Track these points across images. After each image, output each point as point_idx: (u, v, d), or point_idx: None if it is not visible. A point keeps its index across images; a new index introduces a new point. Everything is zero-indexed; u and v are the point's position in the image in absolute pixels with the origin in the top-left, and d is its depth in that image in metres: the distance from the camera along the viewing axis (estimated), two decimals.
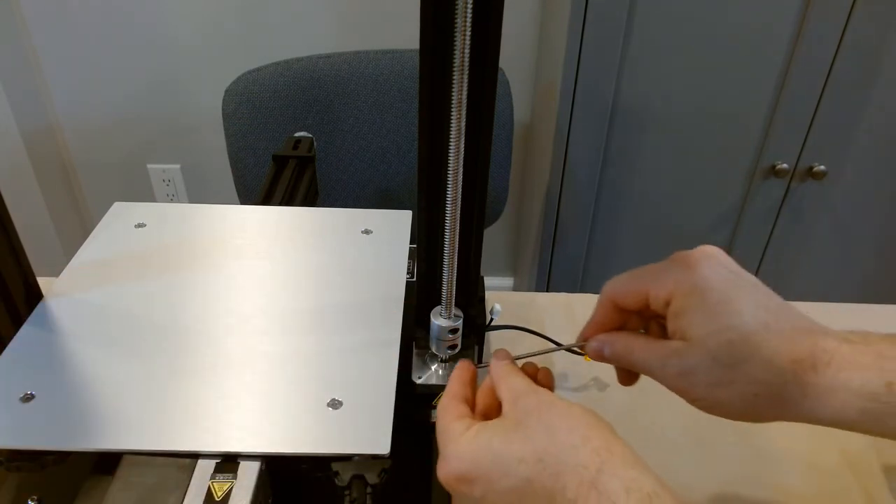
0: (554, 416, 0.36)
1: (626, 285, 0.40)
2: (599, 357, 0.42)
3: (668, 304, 0.38)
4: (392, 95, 1.12)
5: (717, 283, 0.36)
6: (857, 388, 0.34)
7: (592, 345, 0.42)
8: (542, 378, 0.44)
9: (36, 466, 0.41)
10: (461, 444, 0.37)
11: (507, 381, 0.40)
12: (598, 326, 0.42)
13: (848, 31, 1.15)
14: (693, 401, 0.38)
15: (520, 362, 0.43)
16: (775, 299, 0.37)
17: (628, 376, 0.43)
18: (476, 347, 0.52)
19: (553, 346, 0.46)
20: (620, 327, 0.42)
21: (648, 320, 0.42)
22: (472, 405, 0.42)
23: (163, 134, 1.62)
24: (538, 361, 0.43)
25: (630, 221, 1.41)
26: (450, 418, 0.39)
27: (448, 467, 0.37)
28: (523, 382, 0.39)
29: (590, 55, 1.18)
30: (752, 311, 0.36)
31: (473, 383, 0.43)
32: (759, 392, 0.36)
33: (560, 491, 0.33)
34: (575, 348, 0.45)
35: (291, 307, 0.52)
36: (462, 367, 0.43)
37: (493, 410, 0.40)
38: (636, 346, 0.40)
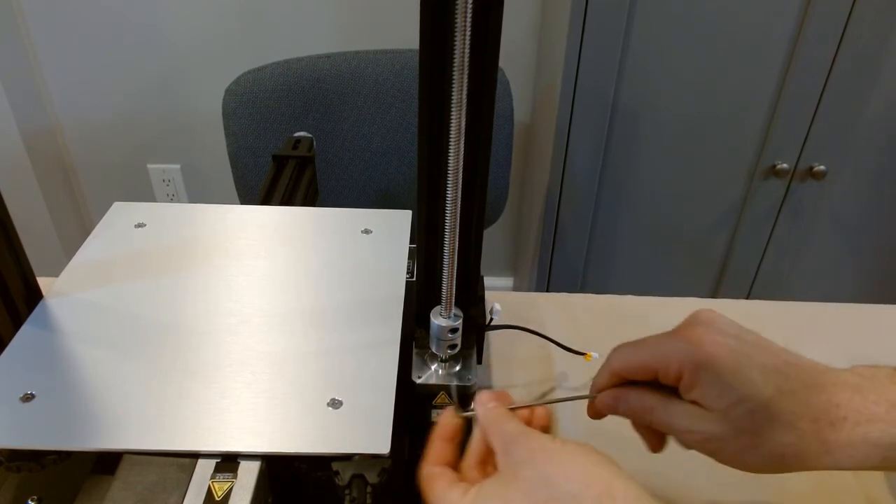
0: (550, 464, 0.34)
1: (632, 360, 0.40)
2: (613, 411, 0.41)
3: (678, 379, 0.38)
4: (392, 95, 1.12)
5: (724, 356, 0.36)
6: (876, 440, 0.35)
7: (605, 400, 0.41)
8: (538, 418, 0.42)
9: (36, 466, 0.41)
10: None
11: (496, 428, 0.38)
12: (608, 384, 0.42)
13: (848, 31, 1.15)
14: (720, 461, 0.38)
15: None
16: (781, 355, 0.37)
17: (658, 440, 0.41)
18: (476, 347, 0.52)
19: (560, 398, 0.45)
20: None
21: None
22: (456, 460, 0.40)
23: (163, 134, 1.62)
24: (537, 401, 0.41)
25: (630, 221, 1.41)
26: (442, 487, 0.37)
27: None
28: (514, 427, 0.37)
29: (590, 55, 1.18)
30: (762, 378, 0.36)
31: (458, 435, 0.41)
32: (784, 453, 0.37)
33: None
34: (574, 348, 0.45)
35: (291, 307, 0.52)
36: (444, 422, 0.41)
37: (488, 457, 0.39)
38: (655, 405, 0.39)
